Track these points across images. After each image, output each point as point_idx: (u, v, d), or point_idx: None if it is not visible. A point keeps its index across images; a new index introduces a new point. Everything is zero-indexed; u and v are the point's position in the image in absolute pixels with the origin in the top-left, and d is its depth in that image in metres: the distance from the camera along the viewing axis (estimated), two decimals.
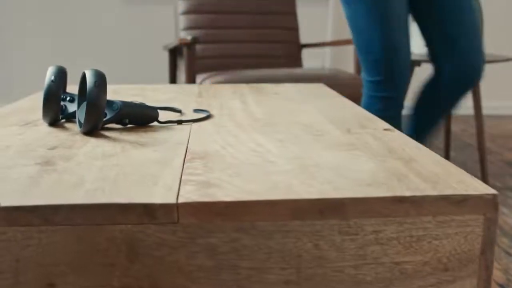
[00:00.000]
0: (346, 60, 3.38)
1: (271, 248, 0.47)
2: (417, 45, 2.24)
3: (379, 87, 1.44)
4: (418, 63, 2.23)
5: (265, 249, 0.47)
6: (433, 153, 0.62)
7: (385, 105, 1.45)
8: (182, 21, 2.40)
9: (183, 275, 0.47)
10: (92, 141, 0.68)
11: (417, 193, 0.48)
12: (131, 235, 0.46)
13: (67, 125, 0.78)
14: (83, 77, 0.74)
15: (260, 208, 0.46)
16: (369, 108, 1.48)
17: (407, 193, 0.48)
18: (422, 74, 3.40)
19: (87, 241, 0.45)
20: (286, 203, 0.46)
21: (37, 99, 1.03)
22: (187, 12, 2.41)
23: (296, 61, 2.51)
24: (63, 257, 0.46)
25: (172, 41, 3.25)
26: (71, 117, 0.81)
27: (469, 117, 3.38)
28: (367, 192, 0.48)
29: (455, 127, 3.10)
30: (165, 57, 3.29)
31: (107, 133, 0.73)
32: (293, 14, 2.53)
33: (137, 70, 3.30)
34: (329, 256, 0.48)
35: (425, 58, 2.12)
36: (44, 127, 0.77)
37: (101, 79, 0.69)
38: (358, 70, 2.22)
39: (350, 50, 3.36)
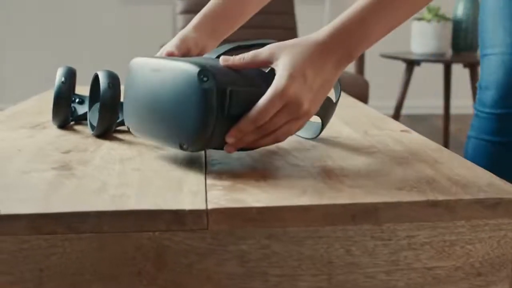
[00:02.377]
0: None
1: (302, 255, 0.46)
2: (417, 44, 2.23)
3: None
4: (418, 62, 2.23)
5: (296, 256, 0.46)
6: (456, 155, 0.61)
7: None
8: (181, 20, 2.38)
9: (211, 283, 0.45)
10: (106, 144, 0.66)
11: (450, 197, 0.47)
12: (159, 242, 0.44)
13: (77, 127, 0.77)
14: (95, 78, 0.72)
15: (292, 214, 0.45)
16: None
17: (440, 197, 0.47)
18: (422, 74, 3.41)
19: (114, 249, 0.44)
20: (318, 209, 0.45)
21: (42, 100, 1.01)
22: (185, 12, 2.39)
23: None
24: (88, 266, 0.44)
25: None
26: (80, 120, 0.79)
27: (464, 116, 3.39)
28: (400, 197, 0.47)
29: (451, 127, 3.10)
30: None
31: (120, 136, 0.71)
32: (291, 13, 2.52)
33: None
34: (361, 261, 0.47)
35: (425, 57, 2.12)
36: (53, 129, 0.75)
37: (114, 81, 0.68)
38: (359, 70, 2.21)
39: None
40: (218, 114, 0.51)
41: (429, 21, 2.18)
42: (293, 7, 2.53)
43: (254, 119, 0.52)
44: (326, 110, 0.64)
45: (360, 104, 0.98)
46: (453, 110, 3.48)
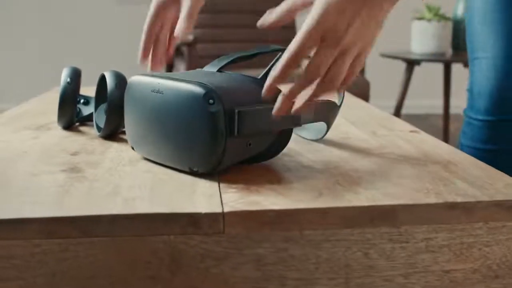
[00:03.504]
0: None
1: (320, 258, 0.45)
2: (417, 44, 2.23)
3: None
4: (418, 62, 2.22)
5: (313, 259, 0.45)
6: (468, 156, 0.61)
7: None
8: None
9: (227, 287, 0.44)
10: (114, 145, 0.65)
11: (469, 199, 0.46)
12: (174, 246, 0.43)
13: (82, 128, 0.76)
14: (101, 79, 0.71)
15: (310, 217, 0.44)
16: None
17: (458, 199, 0.46)
18: (422, 73, 3.41)
19: (128, 253, 0.43)
20: (336, 211, 0.44)
21: (43, 101, 1.00)
22: None
23: None
24: (102, 271, 0.43)
25: None
26: (86, 121, 0.78)
27: (460, 116, 3.39)
28: (418, 199, 0.46)
29: (450, 126, 3.11)
30: None
31: (126, 137, 0.70)
32: None
33: (132, 69, 3.26)
34: (378, 264, 0.46)
35: (425, 57, 2.12)
36: (58, 131, 0.74)
37: (122, 81, 0.67)
38: (360, 70, 2.21)
39: None
40: (227, 136, 0.50)
41: (429, 20, 2.18)
42: None
43: (291, 53, 0.47)
44: (330, 113, 0.63)
45: (364, 104, 0.97)
46: (453, 110, 3.49)
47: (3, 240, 0.42)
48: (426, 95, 3.45)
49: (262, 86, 0.54)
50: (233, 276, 0.44)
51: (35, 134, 0.72)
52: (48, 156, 0.60)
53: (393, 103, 3.41)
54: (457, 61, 2.09)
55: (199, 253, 0.44)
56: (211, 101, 0.49)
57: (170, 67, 2.44)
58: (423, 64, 3.39)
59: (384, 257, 0.46)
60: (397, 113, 2.30)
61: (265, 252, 0.44)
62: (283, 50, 0.61)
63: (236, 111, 0.49)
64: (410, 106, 3.45)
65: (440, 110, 3.47)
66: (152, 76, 0.55)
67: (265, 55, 2.44)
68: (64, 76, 0.73)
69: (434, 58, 2.11)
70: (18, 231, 0.42)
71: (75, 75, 0.73)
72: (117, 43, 3.22)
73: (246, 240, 0.44)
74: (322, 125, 0.66)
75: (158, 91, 0.53)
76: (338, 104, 0.63)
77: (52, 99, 1.03)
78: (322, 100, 0.58)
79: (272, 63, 0.68)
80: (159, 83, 0.53)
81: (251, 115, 0.50)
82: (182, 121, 0.51)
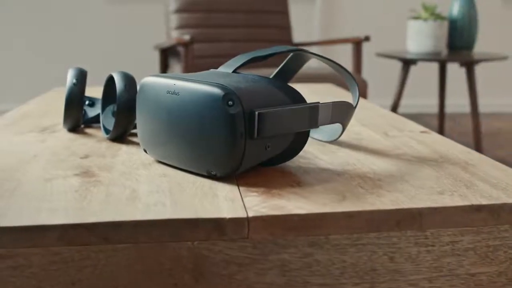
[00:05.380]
0: (338, 59, 3.37)
1: (345, 263, 0.44)
2: (413, 43, 2.24)
3: None
4: (414, 61, 2.23)
5: (339, 264, 0.44)
6: (485, 156, 0.60)
7: None
8: (174, 20, 2.35)
9: None
10: (124, 148, 0.64)
11: (494, 202, 0.46)
12: (198, 252, 0.42)
13: (88, 130, 0.74)
14: (109, 80, 0.70)
15: (336, 221, 0.43)
16: None
17: (484, 202, 0.46)
18: (418, 72, 3.42)
19: (150, 260, 0.42)
20: (362, 215, 0.44)
21: (42, 102, 0.98)
22: (179, 11, 2.36)
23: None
24: (123, 279, 0.42)
25: (163, 41, 3.19)
26: (91, 123, 0.76)
27: (455, 115, 3.41)
28: (443, 201, 0.46)
29: (445, 125, 3.12)
30: (153, 57, 3.23)
31: (134, 139, 0.69)
32: (285, 13, 2.51)
33: (125, 70, 3.23)
34: (404, 269, 0.45)
35: (421, 57, 2.12)
36: (64, 133, 0.72)
37: (131, 82, 0.65)
38: (357, 69, 2.21)
39: (340, 49, 3.35)
40: (247, 138, 0.48)
41: (425, 20, 2.18)
42: (287, 6, 2.51)
43: None
44: (346, 114, 0.62)
45: (370, 104, 0.96)
46: (449, 109, 3.50)
47: (21, 249, 0.41)
48: (421, 94, 3.46)
49: (278, 87, 0.53)
50: (257, 282, 0.43)
51: (41, 137, 0.70)
52: (58, 160, 0.59)
53: (389, 102, 3.42)
54: (453, 60, 2.09)
55: (223, 259, 0.43)
56: (230, 102, 0.48)
57: (164, 68, 2.42)
58: (420, 64, 3.40)
59: (410, 261, 0.45)
60: (394, 112, 2.30)
61: (290, 257, 0.43)
62: (299, 50, 0.60)
63: (257, 113, 0.48)
64: (405, 105, 3.46)
65: (435, 110, 3.48)
66: (167, 77, 0.53)
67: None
68: (70, 77, 0.72)
69: (430, 57, 2.11)
70: (36, 238, 0.41)
71: (81, 76, 0.72)
72: (107, 43, 3.19)
73: (270, 245, 0.43)
74: (336, 126, 0.66)
75: (174, 93, 0.51)
76: (354, 105, 0.62)
77: (51, 100, 1.01)
78: (339, 101, 0.58)
79: (284, 63, 0.67)
80: (175, 84, 0.51)
81: (271, 117, 0.49)
82: (200, 123, 0.49)
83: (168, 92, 0.52)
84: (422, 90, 3.46)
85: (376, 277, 0.45)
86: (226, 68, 0.58)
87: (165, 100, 0.52)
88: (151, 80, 0.54)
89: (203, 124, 0.49)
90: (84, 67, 3.18)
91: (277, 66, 2.47)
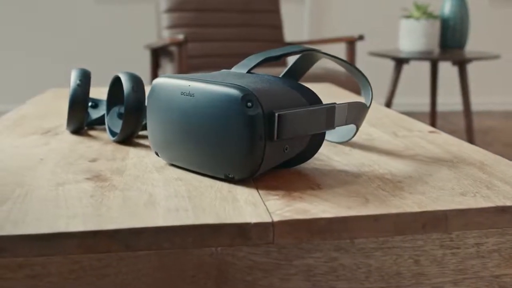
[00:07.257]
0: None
1: (371, 266, 0.43)
2: (406, 42, 2.24)
3: None
4: (406, 60, 2.23)
5: (364, 268, 0.43)
6: (498, 156, 0.60)
7: None
8: (165, 19, 2.33)
9: None
10: (132, 151, 0.63)
11: None
12: (221, 258, 0.41)
13: (92, 132, 0.72)
14: (115, 81, 0.68)
15: (362, 224, 0.42)
16: None
17: (508, 203, 0.45)
18: (410, 71, 3.43)
19: (173, 267, 0.41)
20: (388, 218, 0.43)
21: (40, 103, 0.96)
22: (170, 10, 2.34)
23: (282, 60, 2.48)
24: (145, 287, 0.41)
25: (154, 40, 3.16)
26: (94, 124, 0.75)
27: (446, 114, 3.43)
28: (468, 203, 0.45)
29: (437, 123, 3.14)
30: (144, 57, 3.20)
31: (141, 141, 0.67)
32: (277, 12, 2.50)
33: (116, 69, 3.20)
34: (429, 272, 0.44)
35: (414, 55, 2.13)
36: (68, 135, 0.70)
37: (139, 84, 0.64)
38: None
39: (332, 49, 3.35)
40: (267, 140, 0.47)
41: (417, 19, 2.19)
42: (278, 5, 2.50)
43: None
44: (360, 115, 0.61)
45: (374, 104, 0.96)
46: (441, 107, 3.52)
47: (38, 257, 0.39)
48: (413, 93, 3.48)
49: (294, 87, 0.52)
50: None
51: (45, 139, 0.68)
52: (67, 163, 0.57)
53: (382, 101, 3.43)
54: (445, 59, 2.10)
55: (247, 265, 0.41)
56: (249, 104, 0.46)
57: (155, 68, 2.40)
58: (412, 63, 3.41)
59: (435, 263, 0.44)
60: None
61: (315, 262, 0.42)
62: (310, 50, 0.59)
63: (277, 114, 0.47)
64: (397, 104, 3.47)
65: (427, 108, 3.50)
66: (180, 78, 0.52)
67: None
68: (74, 78, 0.70)
69: (422, 56, 2.12)
70: (55, 246, 0.39)
71: (85, 77, 0.70)
72: (97, 43, 3.15)
73: (296, 250, 0.42)
74: (348, 127, 0.65)
75: (188, 94, 0.50)
76: (368, 105, 0.61)
77: (48, 101, 0.99)
78: (354, 102, 0.57)
79: (293, 62, 0.66)
80: (189, 85, 0.50)
81: (290, 118, 0.48)
82: (217, 125, 0.48)
83: (183, 93, 0.51)
84: (414, 89, 3.48)
85: (401, 281, 0.44)
86: (240, 69, 0.56)
87: (179, 102, 0.51)
88: (164, 81, 0.53)
89: (220, 126, 0.48)
90: (75, 66, 3.14)
91: (276, 66, 2.47)
